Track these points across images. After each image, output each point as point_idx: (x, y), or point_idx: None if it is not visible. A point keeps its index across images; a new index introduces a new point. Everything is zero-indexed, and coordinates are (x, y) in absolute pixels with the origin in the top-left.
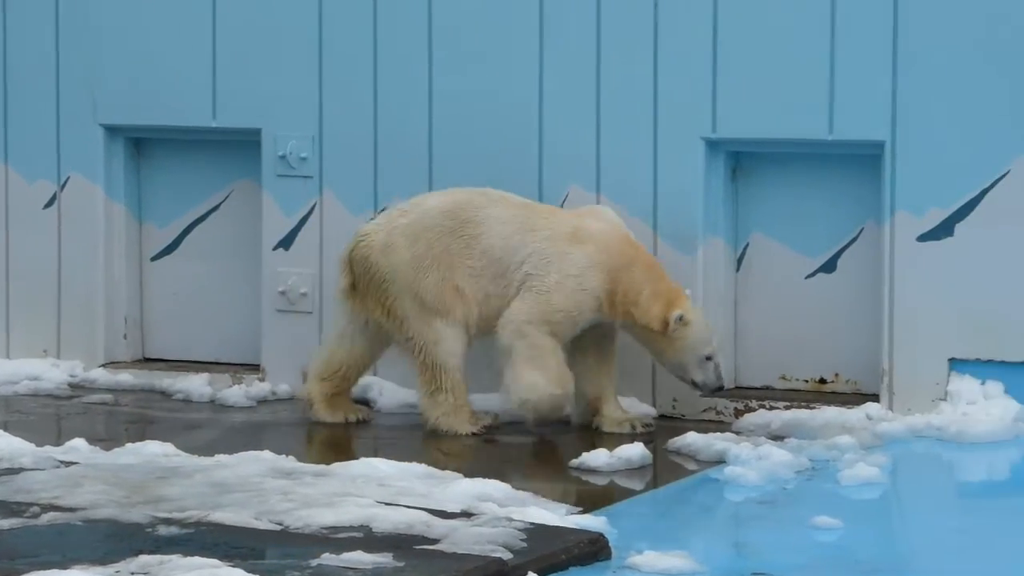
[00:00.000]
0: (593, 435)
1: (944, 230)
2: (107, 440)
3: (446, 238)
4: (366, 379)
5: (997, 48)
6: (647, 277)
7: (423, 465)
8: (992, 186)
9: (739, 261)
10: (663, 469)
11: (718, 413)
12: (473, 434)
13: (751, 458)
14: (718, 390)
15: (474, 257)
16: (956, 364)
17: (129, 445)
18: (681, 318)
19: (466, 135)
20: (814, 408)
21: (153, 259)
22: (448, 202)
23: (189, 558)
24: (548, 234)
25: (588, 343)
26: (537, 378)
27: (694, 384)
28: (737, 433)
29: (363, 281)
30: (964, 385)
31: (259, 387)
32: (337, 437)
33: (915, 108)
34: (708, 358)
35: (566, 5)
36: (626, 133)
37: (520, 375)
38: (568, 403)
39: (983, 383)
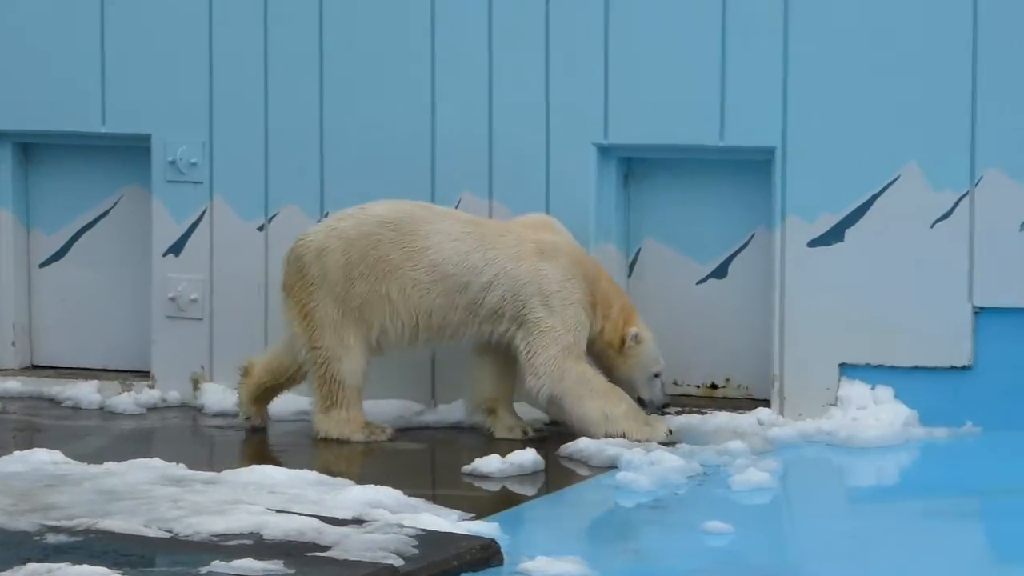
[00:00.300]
0: (486, 441)
1: (834, 235)
2: None
3: (385, 247)
4: None
5: (886, 55)
6: (614, 291)
7: (314, 472)
8: (882, 192)
9: (631, 267)
10: (555, 475)
11: None
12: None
13: (643, 463)
14: (664, 407)
15: (420, 270)
16: (846, 369)
17: (17, 453)
18: (636, 336)
19: (358, 140)
20: (705, 413)
21: (41, 266)
22: (391, 212)
23: (78, 566)
24: (513, 252)
25: (490, 347)
26: (601, 404)
27: (640, 401)
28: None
29: (293, 281)
30: (854, 390)
31: (149, 394)
32: (228, 444)
33: (805, 114)
34: (656, 375)
35: (458, 9)
36: (518, 139)
37: (586, 415)
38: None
39: (873, 388)
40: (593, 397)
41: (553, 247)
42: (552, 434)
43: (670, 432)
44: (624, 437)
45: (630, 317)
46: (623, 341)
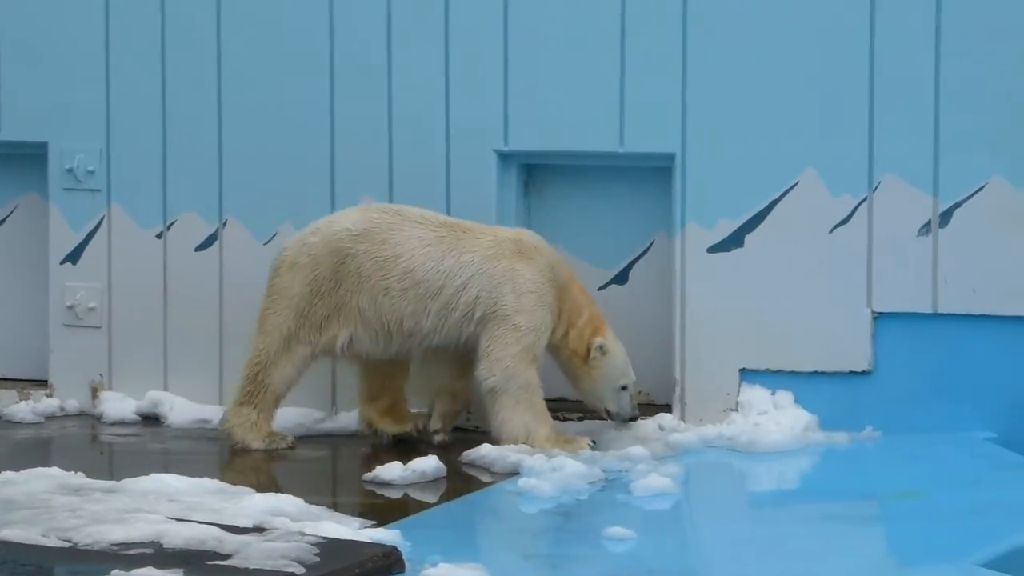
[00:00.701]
0: (387, 449)
1: (734, 241)
2: None
3: (355, 261)
4: (158, 394)
5: (785, 62)
6: (585, 300)
7: (215, 480)
8: (781, 198)
9: None
10: (457, 481)
11: None
12: (262, 450)
13: (545, 469)
14: (632, 420)
15: (391, 278)
16: (747, 374)
17: None
18: (601, 347)
19: (257, 146)
20: (607, 419)
21: None
22: (360, 223)
23: None
24: (489, 252)
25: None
26: (529, 419)
27: (608, 413)
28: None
29: (268, 287)
30: (755, 395)
31: (47, 403)
32: (128, 453)
33: (705, 121)
34: (624, 388)
35: (357, 14)
36: (419, 145)
37: (511, 422)
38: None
39: (773, 393)
40: (526, 409)
41: (532, 248)
42: (455, 441)
43: (593, 444)
44: (548, 448)
45: (598, 327)
46: (588, 351)
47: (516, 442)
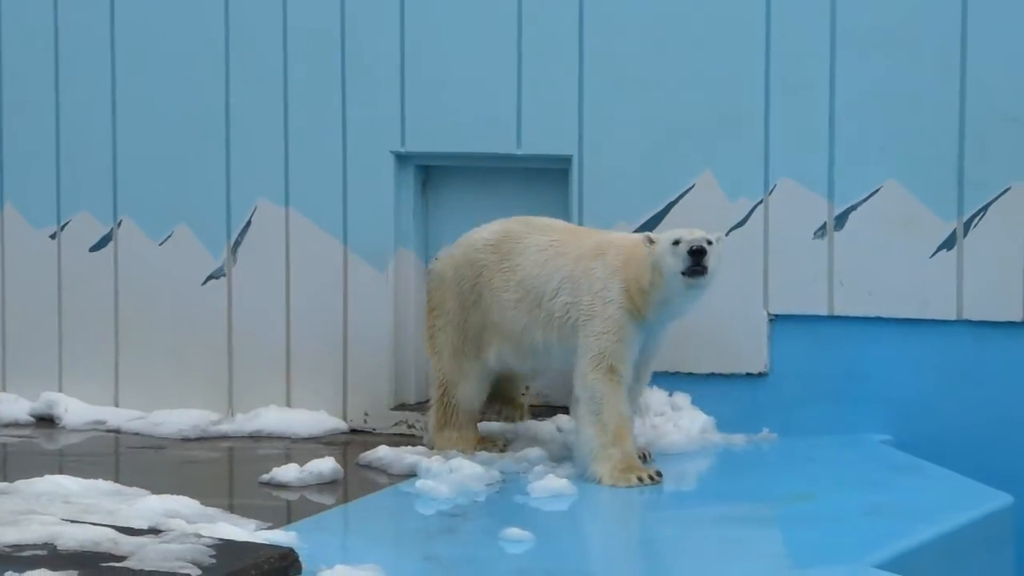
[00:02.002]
0: (283, 451)
1: None
2: None
3: (487, 272)
4: (52, 395)
5: (681, 65)
6: (638, 254)
7: (110, 482)
8: (677, 200)
9: (429, 273)
10: (354, 483)
11: (410, 427)
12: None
13: (442, 471)
14: (692, 251)
15: (510, 289)
16: None
17: None
18: (650, 240)
19: (152, 146)
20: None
21: None
22: (496, 233)
23: None
24: (577, 254)
25: None
26: (593, 435)
27: (688, 276)
28: (428, 447)
29: (427, 304)
30: (653, 397)
31: None
32: (21, 454)
33: (601, 123)
34: (675, 243)
35: (252, 15)
36: (315, 146)
37: (580, 431)
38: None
39: (671, 395)
40: (592, 424)
41: (609, 243)
42: (352, 443)
43: (650, 479)
44: (597, 479)
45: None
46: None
47: (584, 460)
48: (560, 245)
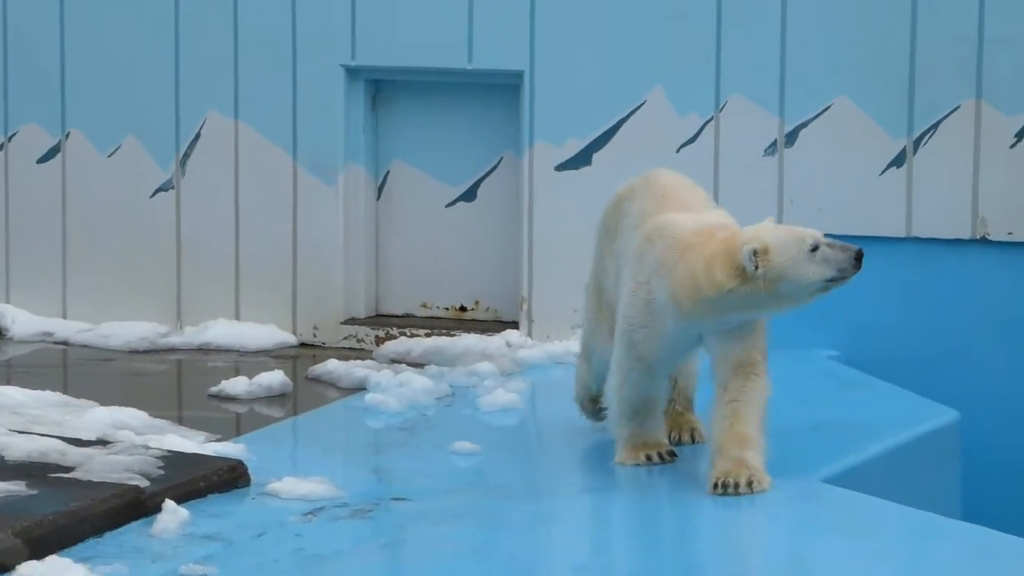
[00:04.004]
0: (233, 363)
1: (582, 159)
2: None
3: (606, 238)
4: None
5: None
6: (700, 250)
7: (58, 393)
8: (628, 116)
9: (380, 189)
10: (303, 397)
11: (359, 341)
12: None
13: (392, 385)
14: (858, 258)
15: (611, 256)
16: None
17: None
18: (755, 252)
19: (100, 56)
20: (454, 335)
21: None
22: (620, 192)
23: None
24: (644, 232)
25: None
26: (613, 422)
27: (834, 280)
28: (378, 360)
29: None
30: None
31: None
32: None
33: (553, 39)
34: (814, 249)
35: None
36: (265, 59)
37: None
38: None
39: None
40: (612, 404)
41: (663, 227)
42: (300, 356)
43: (660, 457)
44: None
45: (731, 243)
46: (744, 272)
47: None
48: (645, 213)
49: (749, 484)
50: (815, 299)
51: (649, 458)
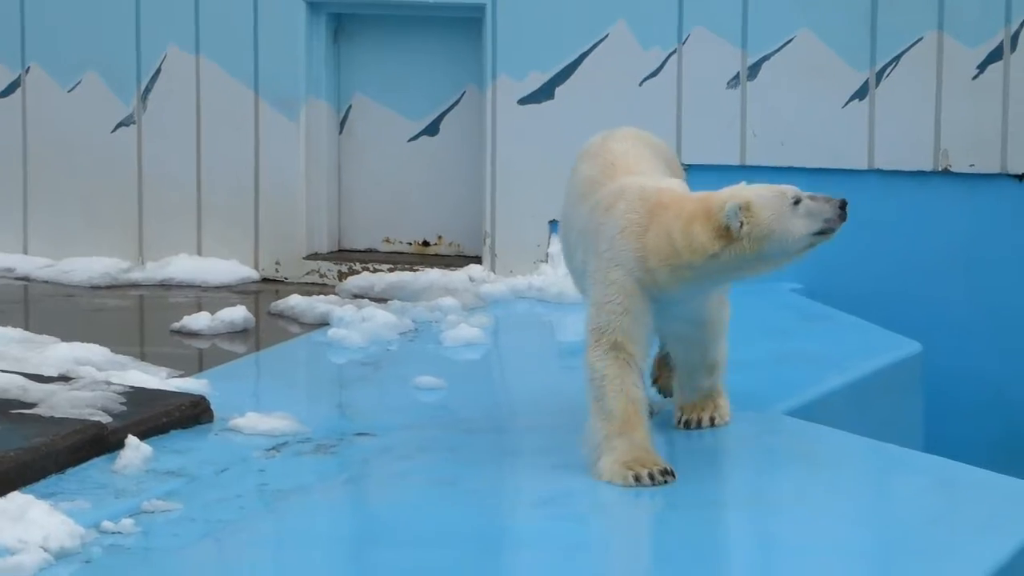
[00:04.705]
0: (195, 299)
1: (544, 93)
2: None
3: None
4: None
5: None
6: (674, 213)
7: (19, 329)
8: (591, 50)
9: (342, 124)
10: (266, 332)
11: (321, 276)
12: None
13: (354, 320)
14: (843, 207)
15: (568, 227)
16: (556, 226)
17: None
18: (737, 208)
19: None
20: (417, 270)
21: None
22: (579, 151)
23: None
24: (595, 200)
25: None
26: (595, 424)
27: (821, 234)
28: (340, 296)
29: None
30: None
31: None
32: None
33: None
34: (796, 202)
35: None
36: None
37: (587, 425)
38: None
39: None
40: (593, 412)
41: (629, 190)
42: (263, 291)
43: (650, 478)
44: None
45: (710, 202)
46: (728, 230)
47: (591, 456)
48: (592, 184)
49: (712, 420)
50: (799, 257)
51: (638, 479)
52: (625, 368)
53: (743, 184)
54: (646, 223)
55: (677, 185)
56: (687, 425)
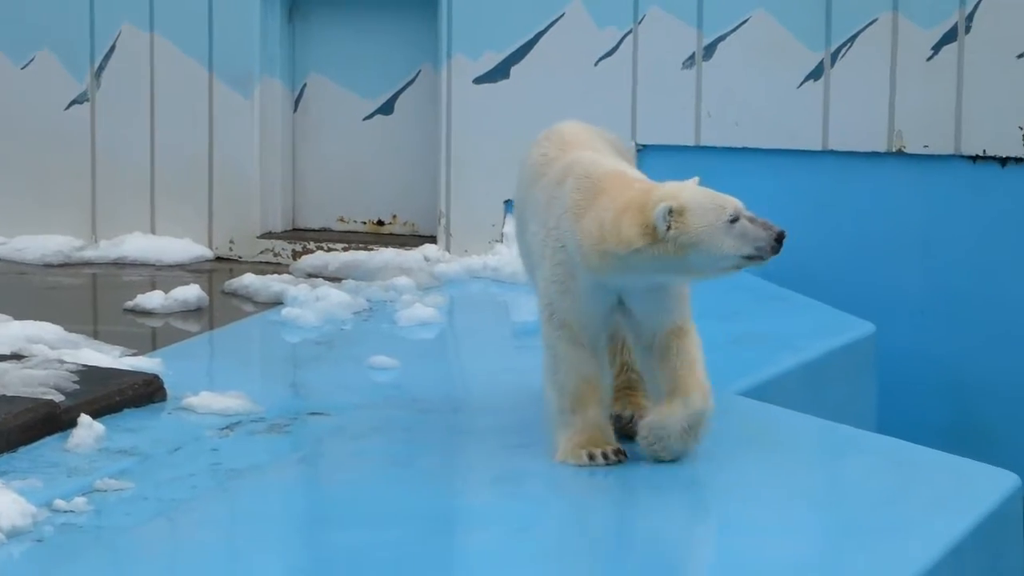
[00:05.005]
0: (148, 277)
1: (500, 73)
2: None
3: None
4: None
5: None
6: (612, 199)
7: None
8: (546, 29)
9: (296, 102)
10: (220, 311)
11: (276, 255)
12: None
13: (309, 299)
14: (779, 240)
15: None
16: (511, 206)
17: None
18: (670, 211)
19: None
20: (372, 250)
21: None
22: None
23: None
24: (550, 176)
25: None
26: (551, 398)
27: (750, 259)
28: (294, 275)
29: None
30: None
31: None
32: None
33: None
34: (734, 220)
35: None
36: None
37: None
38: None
39: None
40: (548, 387)
41: (576, 166)
42: (217, 270)
43: (604, 457)
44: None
45: (645, 198)
46: (654, 230)
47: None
48: (546, 162)
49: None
50: (724, 276)
51: (592, 457)
52: (577, 346)
53: (693, 182)
54: (587, 204)
55: (629, 169)
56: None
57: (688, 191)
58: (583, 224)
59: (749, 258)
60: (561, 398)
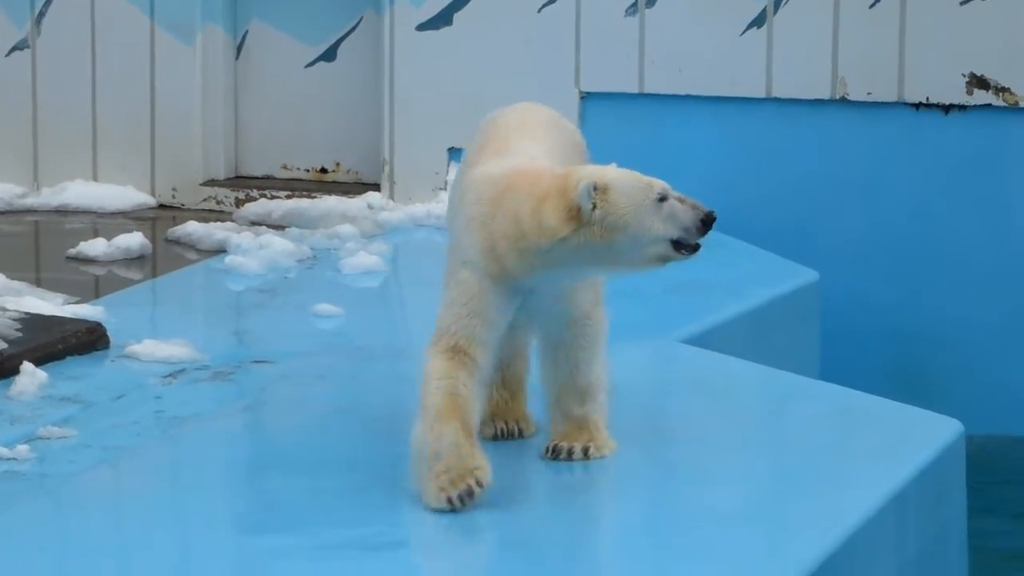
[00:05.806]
0: (91, 225)
1: (442, 19)
2: None
3: None
4: None
5: None
6: (525, 191)
7: None
8: None
9: (238, 49)
10: (163, 259)
11: (219, 203)
12: None
13: (252, 247)
14: (706, 222)
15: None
16: (455, 153)
17: None
18: (595, 188)
19: None
20: (315, 197)
21: None
22: None
23: None
24: (457, 192)
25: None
26: (423, 433)
27: (678, 245)
28: (238, 222)
29: None
30: None
31: None
32: None
33: None
34: (661, 200)
35: None
36: None
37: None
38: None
39: None
40: (422, 418)
41: (480, 178)
42: (160, 218)
43: (459, 500)
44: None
45: (565, 183)
46: (579, 212)
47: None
48: (463, 167)
49: (585, 451)
50: (650, 268)
51: (451, 501)
52: (459, 367)
53: (613, 165)
54: (492, 211)
55: (542, 164)
56: (555, 454)
57: (611, 172)
58: (493, 230)
59: (677, 245)
60: (422, 422)
